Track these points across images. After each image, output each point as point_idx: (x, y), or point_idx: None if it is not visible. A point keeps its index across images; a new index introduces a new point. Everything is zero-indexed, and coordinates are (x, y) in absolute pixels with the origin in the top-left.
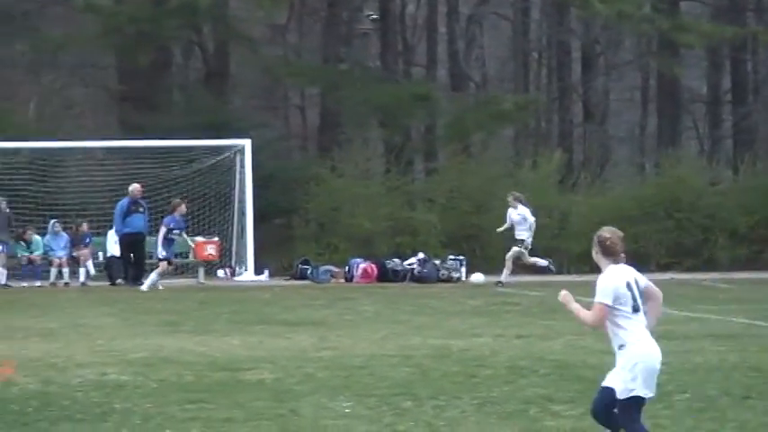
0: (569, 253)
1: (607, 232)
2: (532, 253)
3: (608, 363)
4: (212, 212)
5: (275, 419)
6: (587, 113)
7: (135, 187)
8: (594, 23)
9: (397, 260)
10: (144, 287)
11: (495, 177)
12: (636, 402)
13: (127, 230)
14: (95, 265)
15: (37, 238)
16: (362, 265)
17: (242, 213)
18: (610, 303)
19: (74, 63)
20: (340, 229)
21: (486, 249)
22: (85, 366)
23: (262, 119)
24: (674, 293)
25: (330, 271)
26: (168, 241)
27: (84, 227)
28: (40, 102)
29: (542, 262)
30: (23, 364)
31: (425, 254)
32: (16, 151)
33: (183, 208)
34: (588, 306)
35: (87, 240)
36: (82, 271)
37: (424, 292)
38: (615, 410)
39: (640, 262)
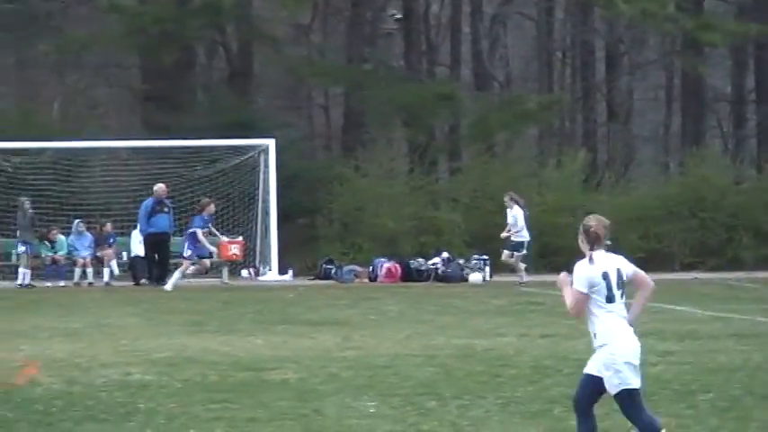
0: None
1: (593, 220)
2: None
3: None
4: (236, 212)
5: (299, 419)
6: (611, 113)
7: (160, 187)
8: (618, 23)
9: (421, 260)
10: (168, 287)
11: (520, 177)
12: (629, 394)
13: (152, 230)
14: (119, 265)
15: (61, 237)
16: (386, 265)
17: (266, 213)
18: (585, 291)
19: (98, 63)
20: (364, 228)
21: None
22: (109, 366)
23: (286, 119)
24: (698, 293)
25: (354, 271)
26: (194, 240)
27: (109, 227)
28: (65, 102)
29: (523, 273)
30: (48, 364)
31: (449, 253)
32: (41, 151)
33: (211, 207)
34: None
35: (111, 240)
36: (106, 271)
37: (447, 292)
38: (597, 397)
39: (664, 261)
